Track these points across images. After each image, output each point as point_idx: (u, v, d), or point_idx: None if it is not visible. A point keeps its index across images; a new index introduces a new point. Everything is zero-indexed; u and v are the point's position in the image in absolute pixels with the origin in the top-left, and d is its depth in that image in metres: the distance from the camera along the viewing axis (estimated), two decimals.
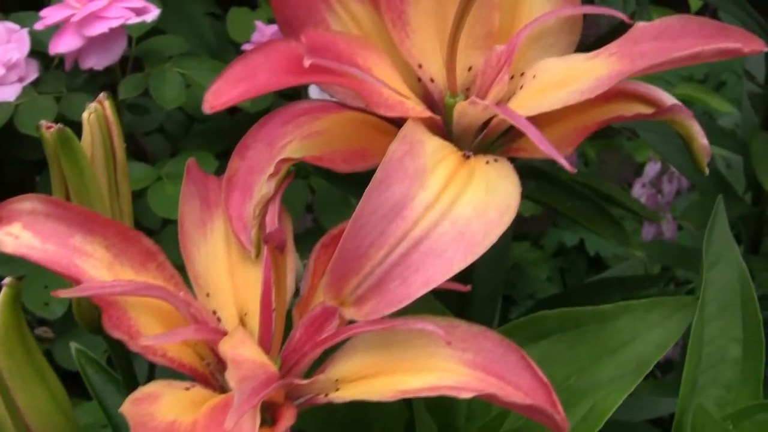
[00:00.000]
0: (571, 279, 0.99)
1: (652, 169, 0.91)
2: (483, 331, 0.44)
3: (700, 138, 0.45)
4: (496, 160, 0.45)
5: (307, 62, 0.42)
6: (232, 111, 0.96)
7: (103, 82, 0.89)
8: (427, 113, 0.45)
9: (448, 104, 0.48)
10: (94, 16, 0.82)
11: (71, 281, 0.43)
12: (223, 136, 0.95)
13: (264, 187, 0.45)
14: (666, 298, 0.53)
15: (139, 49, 0.90)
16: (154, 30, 0.89)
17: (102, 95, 0.46)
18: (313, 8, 0.48)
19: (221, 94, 0.42)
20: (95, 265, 0.43)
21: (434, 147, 0.44)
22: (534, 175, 0.56)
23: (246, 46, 0.89)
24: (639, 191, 0.90)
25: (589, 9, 0.47)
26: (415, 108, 0.45)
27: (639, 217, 0.95)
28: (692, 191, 0.91)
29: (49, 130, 0.44)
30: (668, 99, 0.45)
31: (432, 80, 0.48)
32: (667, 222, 0.88)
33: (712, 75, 1.12)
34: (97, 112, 0.45)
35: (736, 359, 0.55)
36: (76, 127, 0.88)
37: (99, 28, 0.81)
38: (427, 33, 0.48)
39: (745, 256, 0.81)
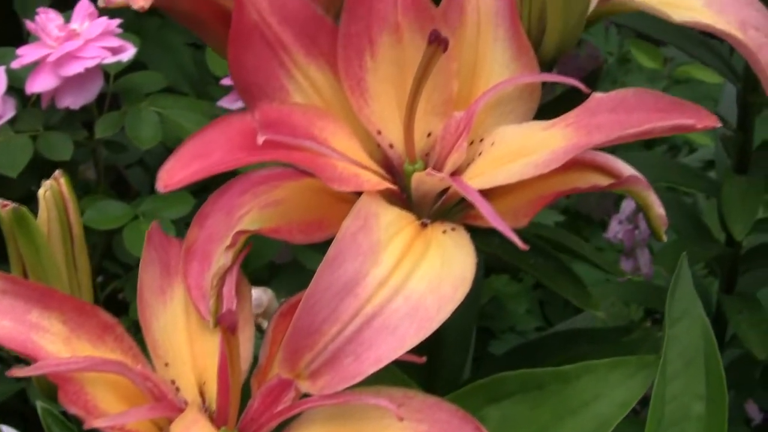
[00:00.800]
0: (551, 312, 0.99)
1: (628, 205, 0.92)
2: (438, 402, 0.44)
3: (657, 207, 0.45)
4: (453, 229, 0.46)
5: (260, 139, 0.42)
6: None
7: (81, 119, 0.89)
8: (383, 185, 0.45)
9: (407, 171, 0.48)
10: (70, 56, 0.82)
11: (28, 357, 0.43)
12: None
13: (222, 258, 0.46)
14: (628, 357, 0.53)
15: (117, 86, 0.90)
16: (133, 62, 0.89)
17: (57, 172, 0.47)
18: (272, 75, 0.48)
19: (174, 173, 0.42)
20: (52, 340, 0.44)
21: (389, 219, 0.44)
22: (498, 232, 0.56)
23: (225, 81, 0.90)
24: (616, 227, 0.90)
25: (548, 77, 0.47)
26: (371, 180, 0.45)
27: (617, 249, 0.95)
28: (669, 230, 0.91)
29: (4, 208, 0.44)
30: (626, 169, 0.45)
31: (391, 146, 0.49)
32: (643, 258, 0.89)
33: (694, 102, 1.11)
34: (52, 189, 0.45)
35: (699, 416, 0.55)
36: (53, 167, 0.88)
37: (75, 68, 0.82)
38: (386, 100, 0.48)
39: (719, 296, 0.82)
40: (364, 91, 0.48)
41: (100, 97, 0.88)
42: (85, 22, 0.85)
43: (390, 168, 0.49)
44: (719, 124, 0.41)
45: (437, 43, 0.44)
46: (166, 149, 0.99)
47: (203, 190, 1.00)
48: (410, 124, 0.47)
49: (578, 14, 0.46)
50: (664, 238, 0.47)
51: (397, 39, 0.48)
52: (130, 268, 0.93)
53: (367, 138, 0.49)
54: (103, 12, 0.86)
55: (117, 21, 0.85)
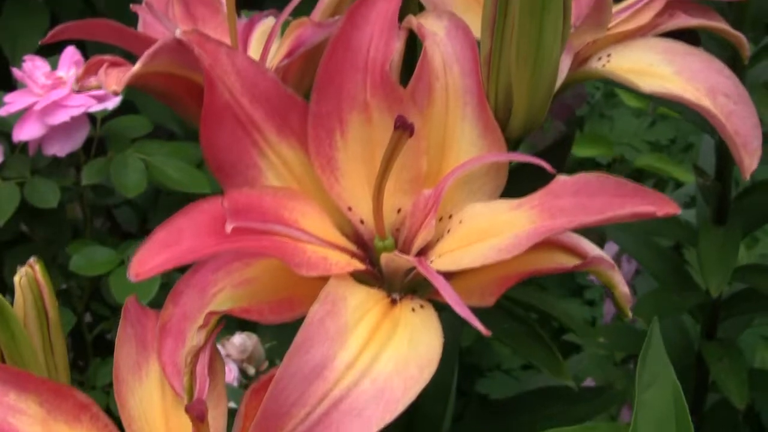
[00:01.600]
0: None
1: (610, 249, 0.92)
2: None
3: (621, 287, 0.46)
4: (422, 307, 0.46)
5: (229, 227, 0.43)
6: None
7: (67, 165, 0.90)
8: (351, 267, 0.46)
9: (377, 247, 0.49)
10: (56, 105, 0.83)
11: None
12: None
13: (195, 337, 0.46)
14: (599, 423, 0.54)
15: (104, 130, 0.91)
16: (121, 102, 0.90)
17: (32, 259, 0.48)
18: (244, 153, 0.49)
19: (145, 261, 0.43)
20: (29, 422, 0.44)
21: (357, 302, 0.45)
22: None
23: None
24: None
25: (514, 156, 0.48)
26: (339, 263, 0.46)
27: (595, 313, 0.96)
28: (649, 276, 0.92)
29: None
30: (591, 249, 0.46)
31: (362, 222, 0.49)
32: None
33: (680, 137, 1.12)
34: (28, 276, 0.46)
35: None
36: (37, 213, 0.89)
37: (61, 117, 0.82)
38: (356, 177, 0.49)
39: (701, 342, 0.83)
40: (334, 169, 0.49)
41: (87, 142, 0.89)
42: (71, 69, 0.85)
43: (361, 242, 0.50)
44: (678, 211, 0.42)
45: (403, 128, 0.45)
46: (154, 188, 1.00)
47: None
48: (379, 205, 0.47)
49: (543, 95, 0.47)
50: (630, 315, 0.48)
51: (366, 118, 0.49)
52: (117, 309, 0.93)
53: (338, 214, 0.49)
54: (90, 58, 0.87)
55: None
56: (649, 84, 0.54)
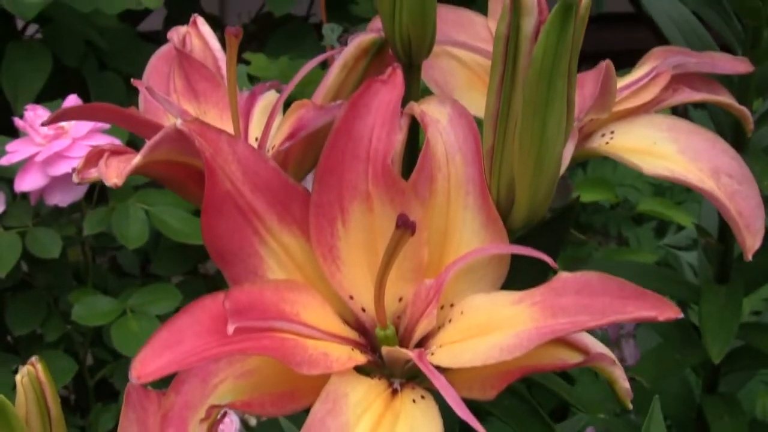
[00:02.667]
0: (540, 394, 1.00)
1: None
2: None
3: (622, 382, 0.46)
4: (423, 398, 0.46)
5: (230, 329, 0.43)
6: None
7: (69, 213, 0.90)
8: (352, 362, 0.46)
9: (378, 336, 0.49)
10: (58, 156, 0.83)
11: None
12: (190, 249, 0.96)
13: (196, 429, 0.46)
14: None
15: None
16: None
17: (33, 359, 0.47)
18: (246, 241, 0.49)
19: (147, 364, 0.43)
20: None
21: (359, 397, 0.45)
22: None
23: None
24: None
25: (517, 249, 0.48)
26: (340, 359, 0.46)
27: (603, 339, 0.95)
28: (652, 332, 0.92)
29: None
30: (594, 346, 0.46)
31: (363, 310, 0.49)
32: (628, 349, 0.89)
33: None
34: (30, 375, 0.46)
35: None
36: (39, 265, 0.89)
37: (63, 168, 0.82)
38: (357, 265, 0.49)
39: (702, 396, 0.83)
40: (336, 258, 0.49)
41: (89, 188, 0.89)
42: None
43: (363, 329, 0.50)
44: (680, 315, 0.42)
45: (405, 227, 0.45)
46: (155, 230, 1.00)
47: (193, 271, 1.02)
48: (380, 298, 0.47)
49: (547, 189, 0.47)
50: (630, 407, 0.47)
51: (368, 208, 0.49)
52: (119, 354, 0.93)
53: (339, 301, 0.49)
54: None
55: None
56: (652, 166, 0.54)
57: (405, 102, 0.51)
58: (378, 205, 0.49)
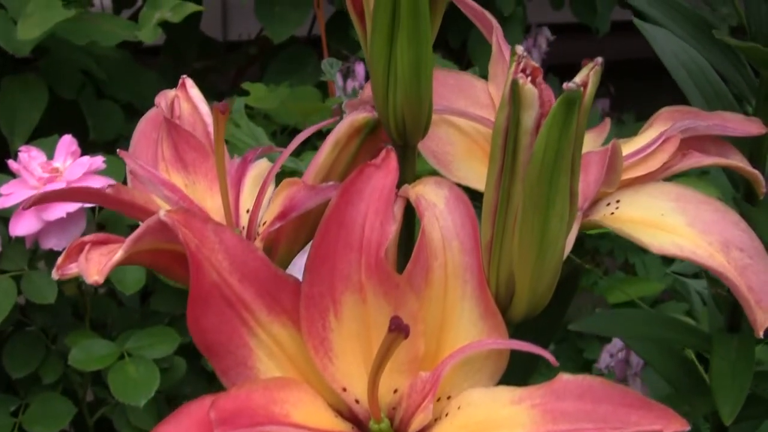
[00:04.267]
0: None
1: (617, 343, 0.90)
2: None
3: None
4: None
5: None
6: None
7: None
8: None
9: (372, 429, 0.47)
10: None
11: None
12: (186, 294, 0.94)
13: None
14: None
15: (102, 217, 0.89)
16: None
17: None
18: (234, 333, 0.47)
19: None
20: None
21: None
22: None
23: None
24: (606, 360, 0.89)
25: (516, 344, 0.45)
26: None
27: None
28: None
29: None
30: None
31: (357, 402, 0.47)
32: (635, 388, 0.87)
33: None
34: None
35: None
36: (36, 309, 0.87)
37: (57, 213, 0.80)
38: (351, 357, 0.47)
39: None
40: (328, 350, 0.47)
41: (85, 233, 0.87)
42: (67, 160, 0.83)
43: (356, 420, 0.48)
44: (688, 428, 0.40)
45: (398, 331, 0.42)
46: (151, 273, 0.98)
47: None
48: (374, 393, 0.45)
49: (548, 283, 0.45)
50: None
51: (361, 299, 0.47)
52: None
53: (332, 393, 0.47)
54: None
55: (100, 159, 0.84)
56: (660, 242, 0.52)
57: (401, 184, 0.49)
58: (371, 296, 0.46)
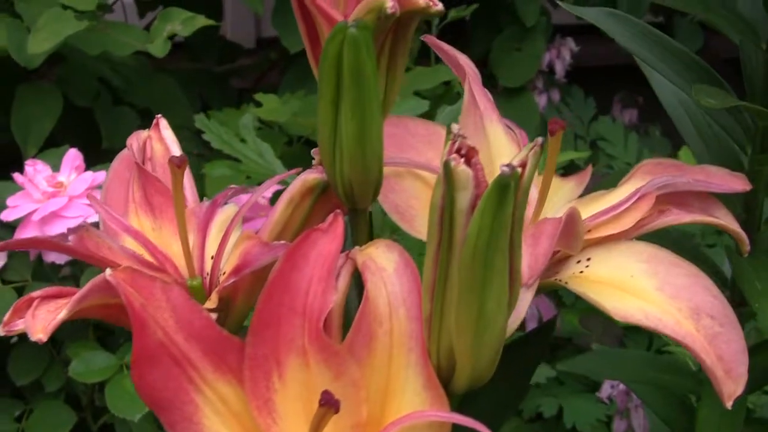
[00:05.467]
0: None
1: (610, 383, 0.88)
2: None
3: None
4: None
5: None
6: None
7: (69, 270, 0.89)
8: None
9: None
10: (54, 215, 0.82)
11: None
12: None
13: None
14: None
15: None
16: None
17: None
18: (180, 390, 0.47)
19: None
20: None
21: None
22: None
23: None
24: (608, 390, 0.87)
25: (458, 419, 0.44)
26: None
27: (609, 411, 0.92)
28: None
29: None
30: None
31: None
32: (637, 419, 0.86)
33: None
34: None
35: None
36: None
37: (58, 228, 0.81)
38: (294, 418, 0.47)
39: None
40: (272, 411, 0.47)
41: None
42: (72, 174, 0.84)
43: None
44: None
45: (328, 406, 0.42)
46: None
47: None
48: None
49: (488, 359, 0.44)
50: None
51: (304, 362, 0.46)
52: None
53: None
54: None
55: (102, 174, 0.84)
56: (625, 308, 0.50)
57: (354, 246, 0.48)
58: (314, 362, 0.46)
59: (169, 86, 1.12)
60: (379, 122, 0.44)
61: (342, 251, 0.47)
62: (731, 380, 0.51)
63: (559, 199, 0.59)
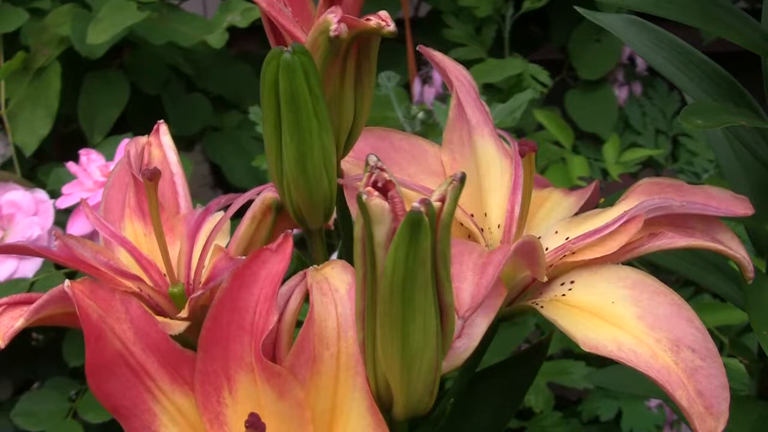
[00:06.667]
0: None
1: None
2: None
3: None
4: None
5: None
6: None
7: None
8: None
9: None
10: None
11: None
12: None
13: None
14: None
15: None
16: None
17: None
18: (138, 399, 0.48)
19: None
20: None
21: None
22: None
23: None
24: (656, 399, 0.84)
25: None
26: None
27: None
28: None
29: None
30: None
31: None
32: None
33: None
34: None
35: None
36: None
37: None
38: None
39: None
40: (222, 424, 0.47)
41: None
42: None
43: None
44: None
45: (253, 429, 0.42)
46: None
47: None
48: None
49: (421, 390, 0.43)
50: None
51: (253, 379, 0.47)
52: None
53: None
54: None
55: None
56: (596, 337, 0.48)
57: (310, 264, 0.48)
58: (260, 381, 0.46)
59: (245, 73, 1.14)
60: (323, 145, 0.44)
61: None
62: (711, 417, 0.49)
63: (556, 214, 0.57)
